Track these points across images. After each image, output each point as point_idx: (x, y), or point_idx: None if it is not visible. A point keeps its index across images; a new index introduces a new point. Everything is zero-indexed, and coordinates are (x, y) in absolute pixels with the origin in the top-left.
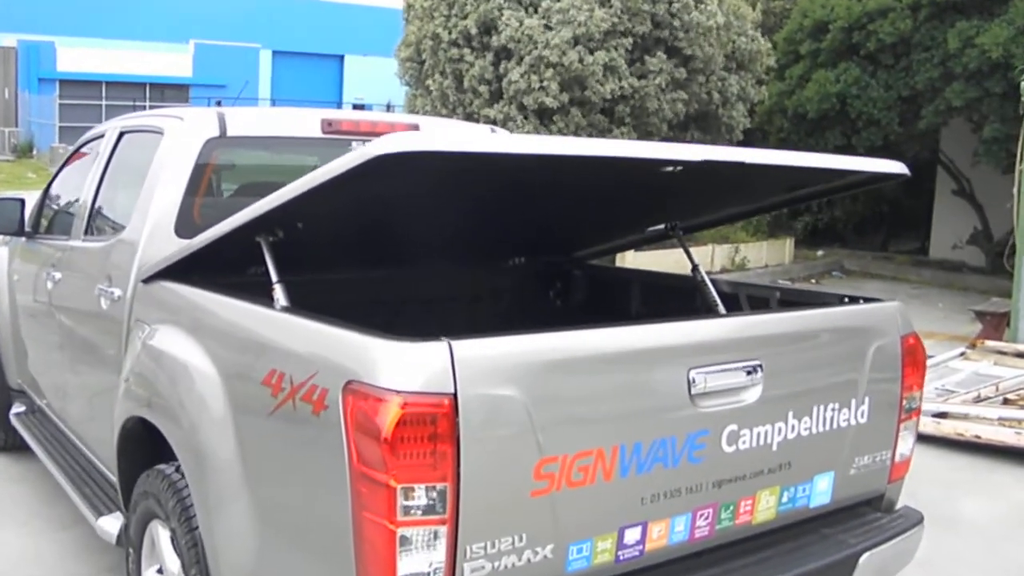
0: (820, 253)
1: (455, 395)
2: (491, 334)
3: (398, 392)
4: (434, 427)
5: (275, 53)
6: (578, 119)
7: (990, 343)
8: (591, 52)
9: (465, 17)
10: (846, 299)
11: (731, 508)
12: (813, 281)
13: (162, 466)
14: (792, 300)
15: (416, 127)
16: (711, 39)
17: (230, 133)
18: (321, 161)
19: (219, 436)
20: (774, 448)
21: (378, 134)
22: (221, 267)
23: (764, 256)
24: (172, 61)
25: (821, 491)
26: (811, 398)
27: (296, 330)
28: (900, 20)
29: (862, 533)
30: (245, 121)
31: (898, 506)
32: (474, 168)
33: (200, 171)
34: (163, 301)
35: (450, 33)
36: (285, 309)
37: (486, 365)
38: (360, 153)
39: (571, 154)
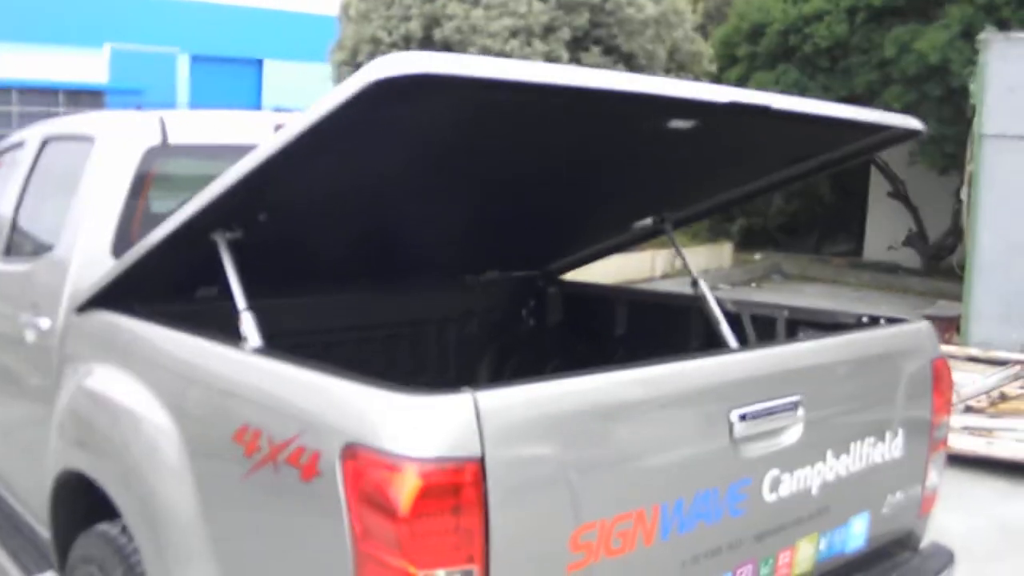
0: (758, 256)
1: (482, 459)
2: (519, 381)
3: (415, 459)
4: (457, 499)
5: (193, 58)
6: None
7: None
8: (529, 44)
9: (409, 19)
10: (864, 319)
11: (770, 563)
12: (753, 285)
13: (105, 526)
14: (802, 320)
15: None
16: (648, 35)
17: (172, 141)
18: None
19: (179, 501)
20: (814, 492)
21: None
22: (162, 290)
23: (703, 261)
24: (86, 65)
25: (856, 534)
26: (849, 433)
27: (274, 378)
28: (836, 24)
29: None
30: (189, 127)
31: (924, 542)
32: (474, 120)
33: (139, 184)
34: (101, 335)
35: (390, 35)
36: (258, 351)
37: (516, 419)
38: (360, 78)
39: (607, 88)
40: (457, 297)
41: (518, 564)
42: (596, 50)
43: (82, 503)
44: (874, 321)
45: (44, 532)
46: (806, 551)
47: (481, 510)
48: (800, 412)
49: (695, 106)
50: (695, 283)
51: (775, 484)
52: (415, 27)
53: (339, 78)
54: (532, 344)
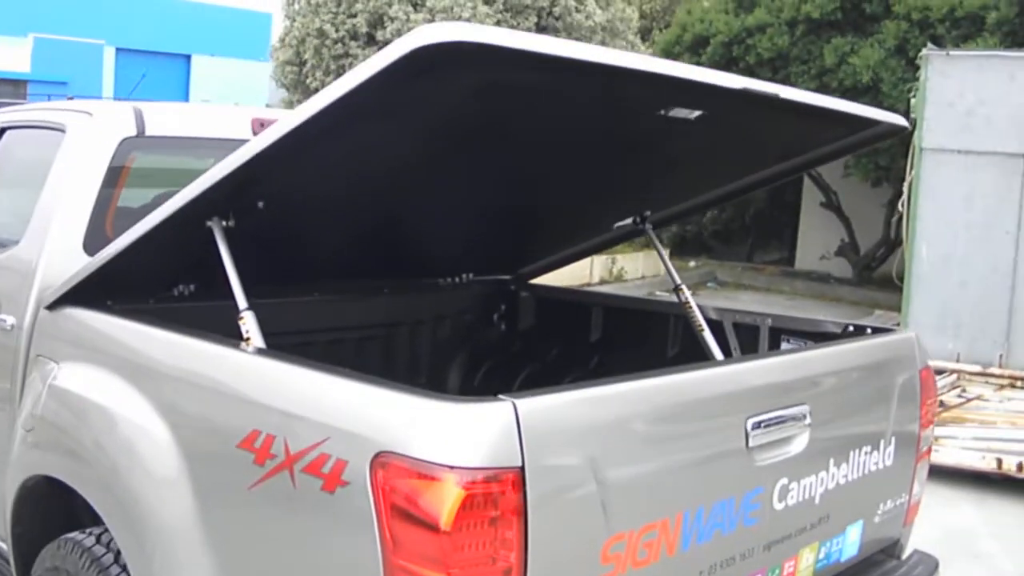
0: (692, 264)
1: (522, 468)
2: (555, 388)
3: (456, 469)
4: (498, 509)
5: (119, 50)
6: None
7: None
8: None
9: (354, 15)
10: (850, 327)
11: (776, 572)
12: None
13: (77, 535)
14: (786, 328)
15: None
16: (595, 41)
17: (149, 132)
18: None
19: (172, 509)
20: (816, 501)
21: None
22: (138, 287)
23: (641, 267)
24: (9, 54)
25: (851, 543)
26: (849, 442)
27: (292, 383)
28: (778, 36)
29: None
30: (166, 119)
31: (907, 551)
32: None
33: (114, 176)
34: (78, 333)
35: (337, 30)
36: (267, 353)
37: (553, 426)
38: (403, 45)
39: (635, 68)
40: (431, 300)
41: (553, 574)
42: None
43: (50, 511)
44: (860, 330)
45: (2, 544)
46: (807, 560)
47: (520, 521)
48: (807, 421)
49: (704, 93)
50: (677, 290)
51: (784, 493)
52: (360, 22)
53: (284, 75)
54: (504, 349)
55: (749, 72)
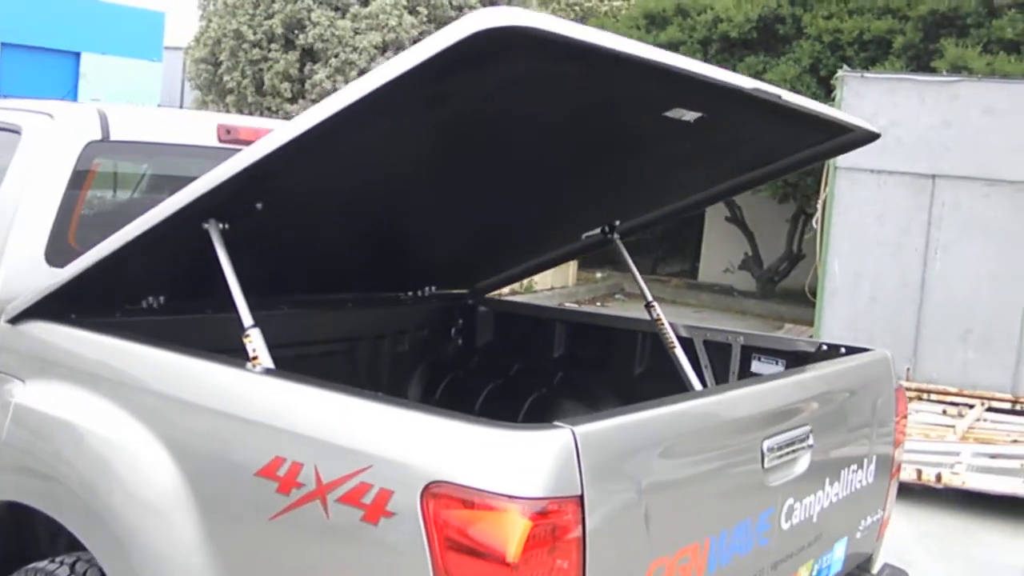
0: (600, 275)
1: (581, 496)
2: (605, 413)
3: (519, 499)
4: (560, 540)
5: (5, 45)
6: None
7: None
8: None
9: (271, 16)
10: (824, 346)
11: None
12: (598, 304)
13: (48, 564)
14: (757, 347)
15: None
16: None
17: (114, 137)
18: None
19: (176, 539)
20: (815, 520)
21: None
22: (105, 297)
23: (550, 278)
24: None
25: (838, 559)
26: (841, 462)
27: (328, 409)
28: (692, 54)
29: None
30: (131, 123)
31: (878, 565)
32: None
33: (78, 182)
34: (47, 350)
35: (255, 33)
36: (285, 375)
37: (606, 453)
38: (460, 29)
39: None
40: (392, 314)
41: None
42: None
43: (9, 541)
44: (834, 349)
45: None
46: (806, 572)
47: (579, 550)
48: (810, 441)
49: (713, 94)
50: (649, 306)
51: (790, 513)
52: (277, 23)
53: (198, 75)
54: (463, 364)
55: None
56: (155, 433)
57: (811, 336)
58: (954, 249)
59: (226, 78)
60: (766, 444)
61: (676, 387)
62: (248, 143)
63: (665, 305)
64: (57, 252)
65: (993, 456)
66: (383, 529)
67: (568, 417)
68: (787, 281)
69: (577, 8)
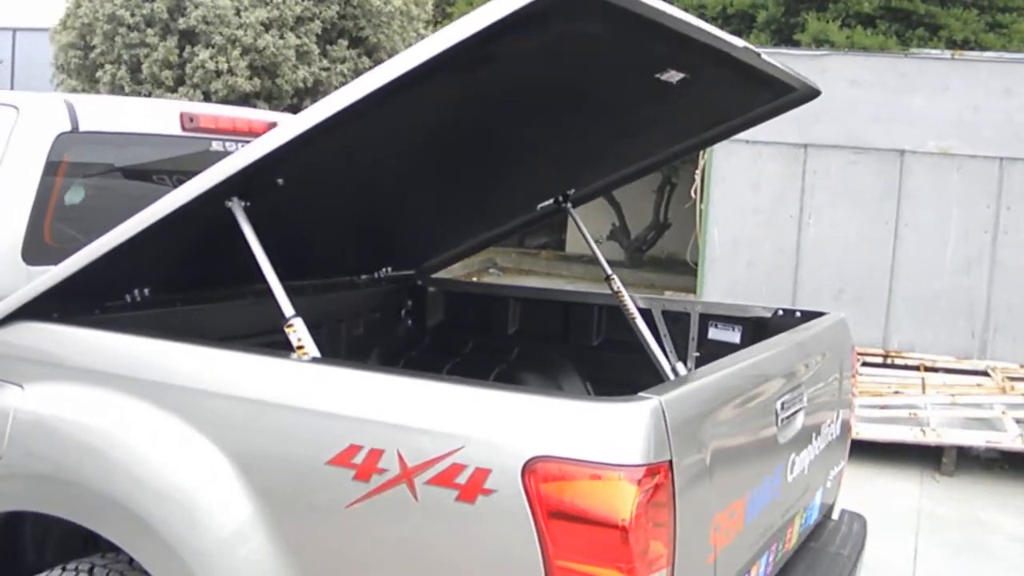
0: None
1: (670, 461)
2: (676, 382)
3: (626, 466)
4: (659, 503)
5: None
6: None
7: None
8: (282, 37)
9: (152, 0)
10: (780, 311)
11: (783, 538)
12: (474, 278)
13: (59, 573)
14: (715, 315)
15: (275, 124)
16: (394, 26)
17: (83, 128)
18: (181, 164)
19: (236, 539)
20: (805, 472)
21: (239, 132)
22: (89, 292)
23: None
24: None
25: (816, 507)
26: (821, 417)
27: (410, 394)
28: None
29: (839, 543)
30: (99, 112)
31: (836, 511)
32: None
33: (51, 176)
34: (48, 351)
35: (132, 15)
36: (335, 362)
37: (684, 418)
38: None
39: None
40: (349, 298)
41: (684, 565)
42: (343, 42)
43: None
44: (789, 314)
45: None
46: (797, 526)
47: (671, 512)
48: (805, 399)
49: (706, 54)
50: (608, 279)
51: (792, 467)
52: (160, 8)
53: (67, 60)
54: (418, 344)
55: None
56: (202, 431)
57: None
58: (826, 214)
59: (100, 72)
60: (778, 403)
61: (635, 356)
62: (208, 132)
63: (539, 278)
64: (33, 249)
65: (882, 407)
66: (481, 507)
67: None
68: (654, 250)
69: None
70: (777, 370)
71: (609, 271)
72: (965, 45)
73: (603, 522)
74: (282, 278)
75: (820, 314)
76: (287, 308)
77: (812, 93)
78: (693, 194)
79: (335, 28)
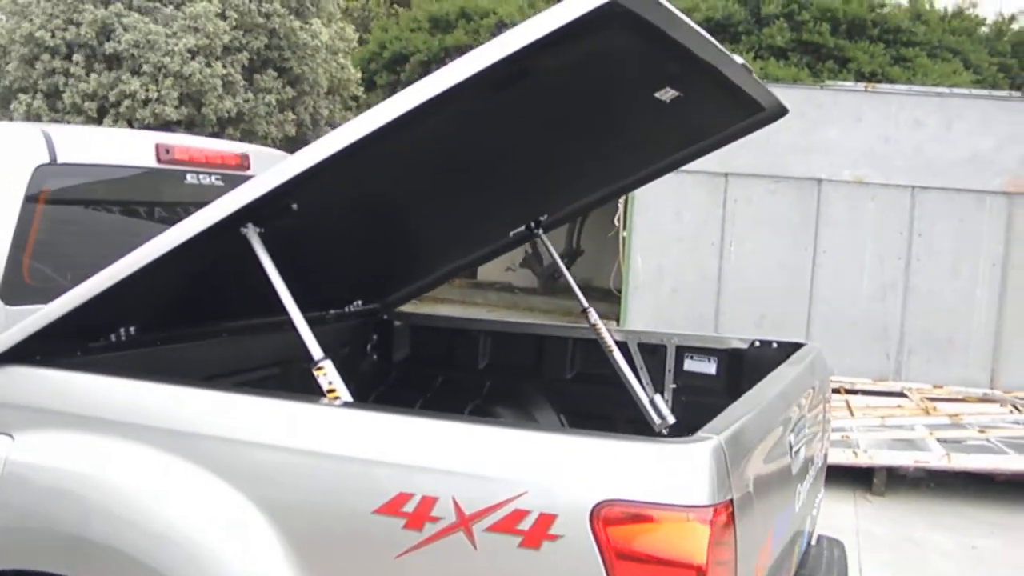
0: None
1: (731, 499)
2: (730, 418)
3: (696, 507)
4: (723, 540)
5: None
6: None
7: None
8: (208, 65)
9: (79, 25)
10: (756, 343)
11: (789, 561)
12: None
13: None
14: (692, 347)
15: (246, 156)
16: (319, 59)
17: (61, 159)
18: (156, 198)
19: None
20: (803, 499)
21: (211, 164)
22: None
23: None
24: None
25: (807, 533)
26: (814, 446)
27: (466, 440)
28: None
29: (826, 568)
30: (77, 143)
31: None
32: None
33: (29, 211)
34: (42, 398)
35: (53, 36)
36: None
37: (736, 455)
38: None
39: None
40: (318, 334)
41: None
42: (271, 73)
43: None
44: (766, 345)
45: None
46: (796, 553)
47: (734, 551)
48: (805, 431)
49: (702, 71)
50: (585, 311)
51: (799, 496)
52: (87, 30)
53: None
54: (386, 379)
55: None
56: (227, 480)
57: (618, 328)
58: (747, 242)
59: (14, 102)
60: (792, 435)
61: (610, 389)
62: (181, 163)
63: (456, 306)
64: (13, 289)
65: None
66: (547, 552)
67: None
68: (611, 279)
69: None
70: (791, 402)
71: (585, 303)
72: (873, 78)
73: (678, 563)
74: (262, 315)
75: (797, 344)
76: (316, 351)
77: (781, 111)
78: (616, 222)
79: (260, 58)
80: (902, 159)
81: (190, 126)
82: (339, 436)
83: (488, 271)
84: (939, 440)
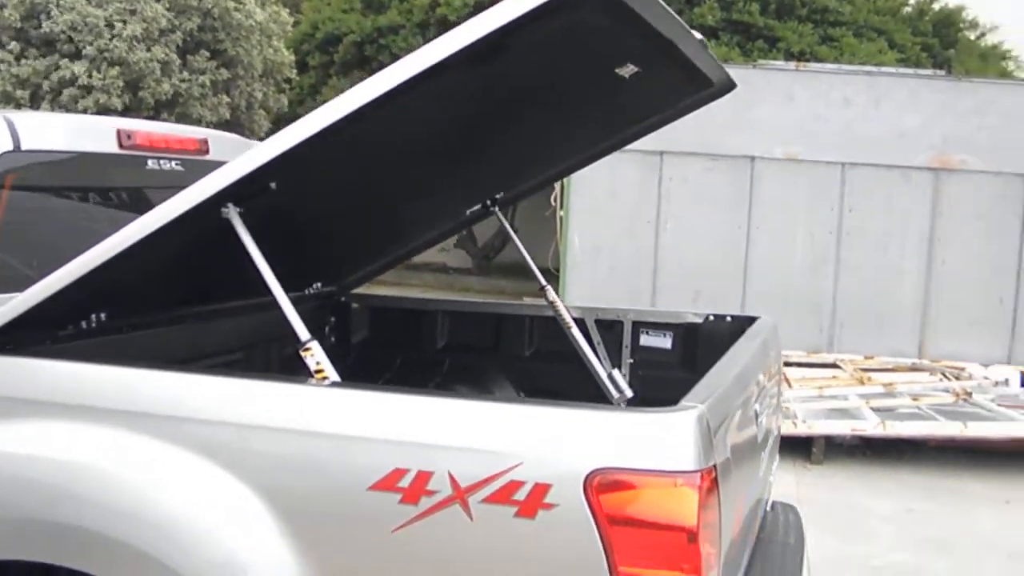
0: None
1: (715, 465)
2: (703, 391)
3: (686, 473)
4: (709, 503)
5: None
6: None
7: None
8: (148, 50)
9: (2, 7)
10: (711, 317)
11: (752, 530)
12: None
13: None
14: (647, 322)
15: (205, 140)
16: (252, 40)
17: (25, 146)
18: (119, 183)
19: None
20: (764, 467)
21: (171, 149)
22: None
23: None
24: None
25: (767, 500)
26: (771, 415)
27: (458, 416)
28: (411, 36)
29: (783, 532)
30: (41, 130)
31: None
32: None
33: None
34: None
35: None
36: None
37: (718, 424)
38: None
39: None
40: (278, 317)
41: (725, 563)
42: (205, 53)
43: None
44: (719, 319)
45: None
46: (759, 516)
47: (718, 515)
48: (767, 399)
49: (662, 47)
50: (543, 289)
51: (762, 463)
52: (11, 15)
53: None
54: (345, 360)
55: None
56: (217, 463)
57: None
58: (683, 219)
59: None
60: (756, 407)
61: (566, 365)
62: (143, 149)
63: (393, 288)
64: None
65: None
66: (543, 521)
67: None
68: (501, 256)
69: None
70: (756, 373)
71: (543, 281)
72: (802, 57)
73: (670, 526)
74: (226, 299)
75: (751, 318)
76: (303, 333)
77: (729, 86)
78: (553, 201)
79: (193, 40)
80: (832, 136)
81: (127, 111)
82: (331, 416)
83: (422, 253)
84: (874, 409)
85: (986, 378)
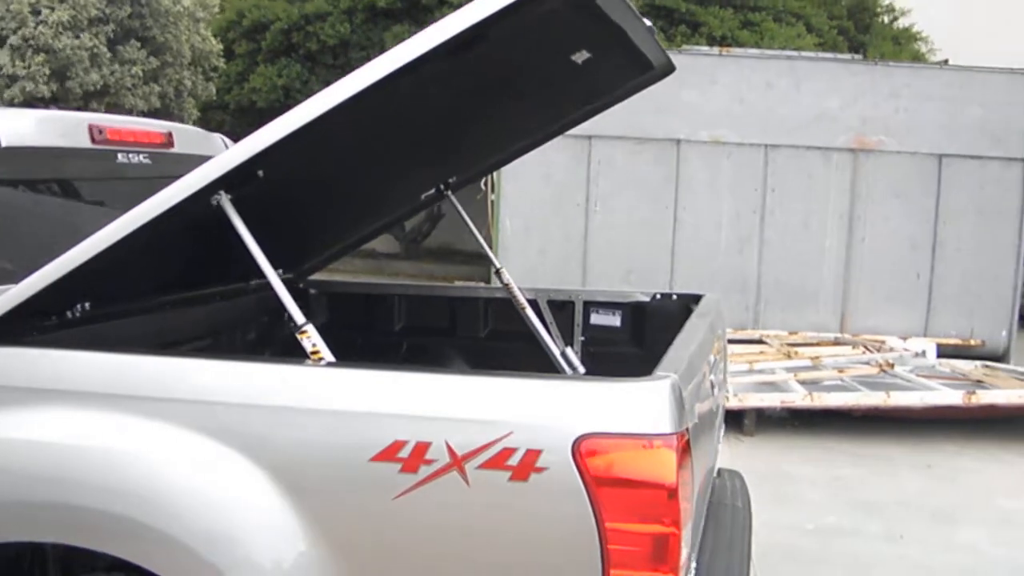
0: None
1: (688, 429)
2: (670, 361)
3: (665, 435)
4: (685, 463)
5: None
6: None
7: None
8: (76, 37)
9: None
10: (658, 296)
11: (706, 494)
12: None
13: None
14: (598, 301)
15: (170, 134)
16: (181, 27)
17: (5, 143)
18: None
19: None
20: (716, 435)
21: (139, 143)
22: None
23: None
24: None
25: (717, 467)
26: (722, 386)
27: (452, 389)
28: (339, 24)
29: (731, 496)
30: (20, 126)
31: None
32: None
33: None
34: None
35: None
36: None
37: (686, 393)
38: None
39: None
40: (240, 304)
41: (693, 521)
42: (135, 43)
43: None
44: (666, 297)
45: None
46: (711, 480)
47: (691, 474)
48: (719, 370)
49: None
50: (498, 272)
51: (715, 432)
52: None
53: None
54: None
55: (311, 59)
56: (230, 444)
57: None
58: (611, 202)
59: None
60: (712, 378)
61: (523, 344)
62: (113, 143)
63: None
64: None
65: None
66: (535, 483)
67: None
68: (429, 241)
69: None
70: (711, 346)
71: (498, 264)
72: (723, 41)
73: (652, 484)
74: (185, 288)
75: (696, 296)
76: (298, 317)
77: (669, 69)
78: (484, 186)
79: (123, 29)
80: (755, 119)
81: (55, 101)
82: (330, 393)
83: None
84: (801, 382)
85: (906, 350)
